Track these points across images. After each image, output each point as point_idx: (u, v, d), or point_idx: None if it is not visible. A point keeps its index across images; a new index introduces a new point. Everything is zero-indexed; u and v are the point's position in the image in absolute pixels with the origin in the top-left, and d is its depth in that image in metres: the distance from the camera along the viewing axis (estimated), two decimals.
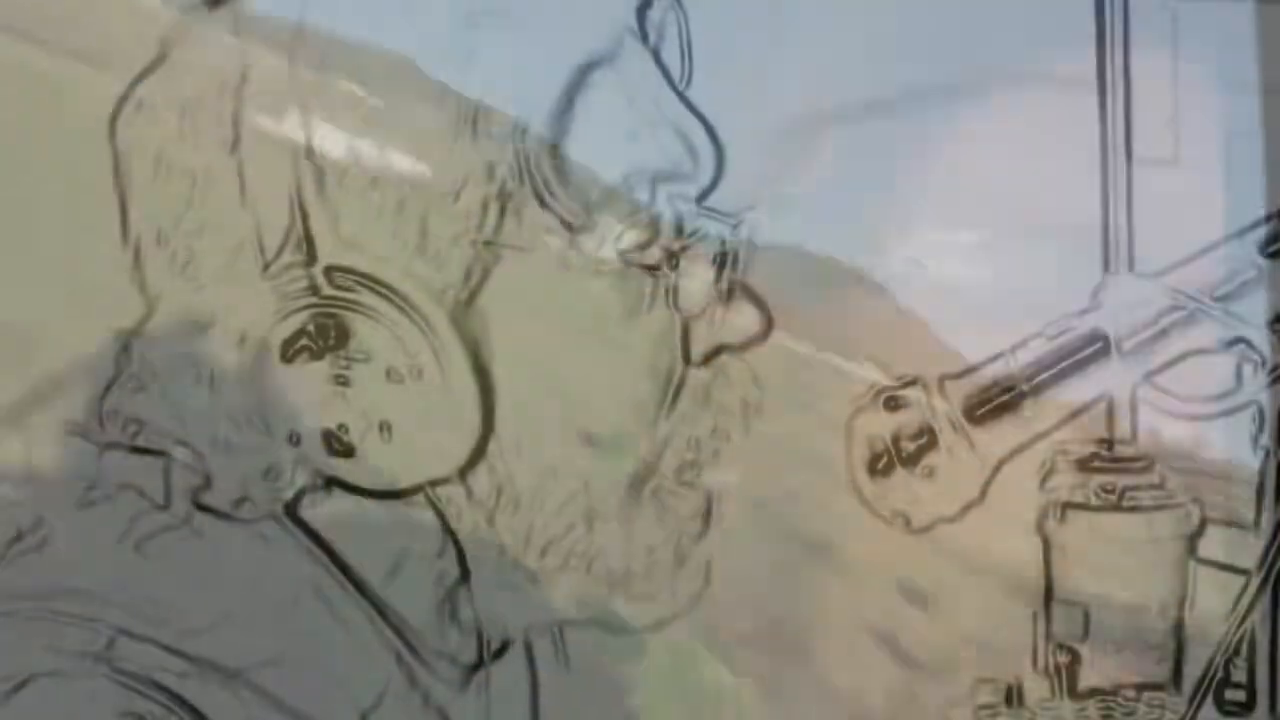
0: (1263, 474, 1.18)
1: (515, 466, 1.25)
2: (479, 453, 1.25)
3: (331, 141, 1.25)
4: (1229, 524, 1.19)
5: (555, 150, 1.23)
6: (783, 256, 1.22)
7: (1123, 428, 1.20)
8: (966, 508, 1.21)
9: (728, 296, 1.22)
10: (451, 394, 1.25)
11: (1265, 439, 1.18)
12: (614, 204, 1.22)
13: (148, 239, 1.27)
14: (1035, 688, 1.21)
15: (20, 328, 1.30)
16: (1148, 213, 1.18)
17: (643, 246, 1.22)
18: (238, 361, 1.27)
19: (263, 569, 1.28)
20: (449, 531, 1.27)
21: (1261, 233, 1.17)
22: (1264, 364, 1.17)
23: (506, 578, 1.27)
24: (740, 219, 1.21)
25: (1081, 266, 1.19)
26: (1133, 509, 1.20)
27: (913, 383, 1.21)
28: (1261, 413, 1.18)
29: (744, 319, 1.22)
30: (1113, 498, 1.20)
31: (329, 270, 1.25)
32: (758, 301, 1.22)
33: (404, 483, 1.27)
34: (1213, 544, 1.19)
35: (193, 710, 1.30)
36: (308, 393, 1.26)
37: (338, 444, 1.27)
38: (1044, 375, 1.20)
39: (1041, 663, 1.21)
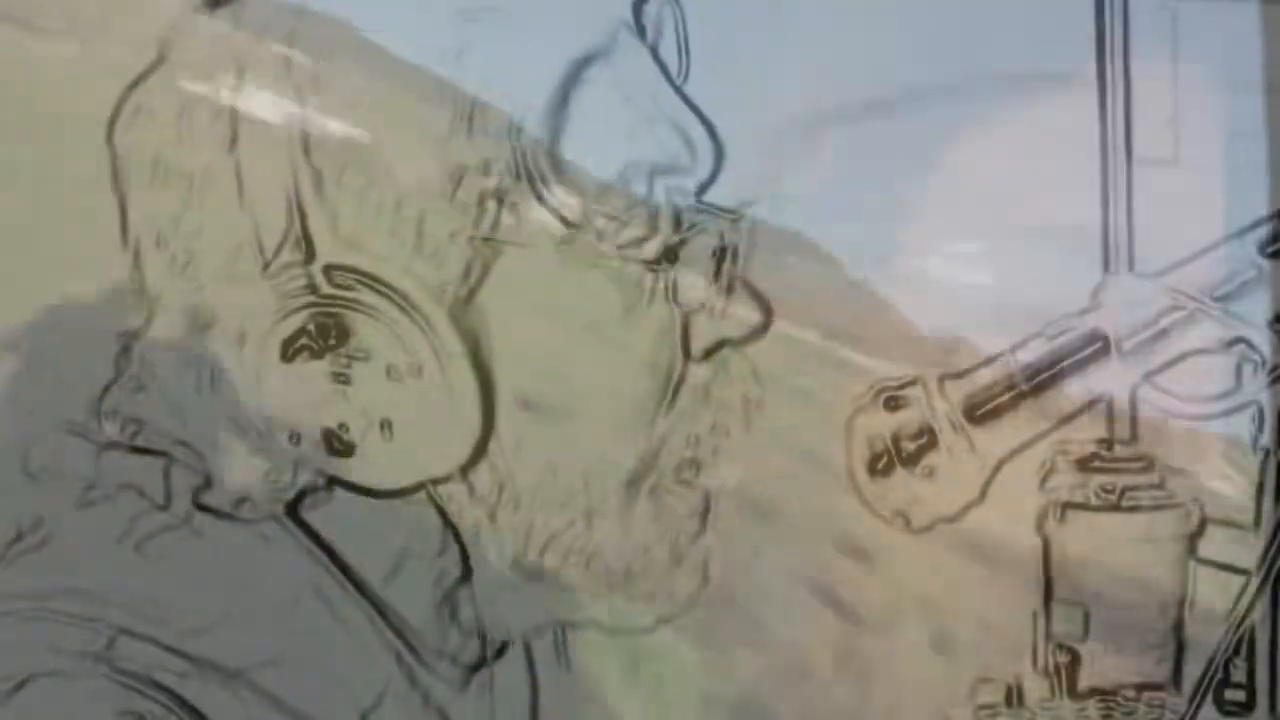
0: (1263, 474, 1.18)
1: (515, 464, 1.25)
2: (480, 450, 1.25)
3: (329, 140, 1.25)
4: (1229, 524, 1.19)
5: (552, 146, 1.23)
6: (783, 252, 1.22)
7: (1123, 428, 1.19)
8: (966, 508, 1.20)
9: (727, 291, 1.22)
10: (452, 392, 1.25)
11: (1265, 439, 1.18)
12: (612, 199, 1.22)
13: (147, 241, 1.27)
14: (1035, 688, 1.21)
15: (20, 328, 1.30)
16: (1148, 213, 1.17)
17: (641, 241, 1.22)
18: (238, 361, 1.27)
19: (263, 569, 1.28)
20: (451, 530, 1.27)
21: (1261, 233, 1.17)
22: (1264, 364, 1.17)
23: (507, 576, 1.27)
24: (740, 214, 1.21)
25: (1081, 266, 1.18)
26: (1133, 509, 1.19)
27: (913, 383, 1.21)
28: (1261, 413, 1.17)
29: (744, 313, 1.22)
30: (1113, 498, 1.19)
31: (328, 269, 1.25)
32: (757, 296, 1.22)
33: (405, 481, 1.27)
34: (1213, 544, 1.19)
35: (193, 710, 1.30)
36: (308, 392, 1.26)
37: (338, 443, 1.27)
38: (1044, 375, 1.19)
39: (1041, 663, 1.21)
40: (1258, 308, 1.17)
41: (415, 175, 1.23)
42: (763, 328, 1.22)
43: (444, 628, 1.28)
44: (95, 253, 1.27)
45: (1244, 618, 1.19)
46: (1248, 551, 1.19)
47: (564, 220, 1.22)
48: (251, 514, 1.28)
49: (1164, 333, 1.18)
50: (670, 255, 1.22)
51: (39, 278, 1.29)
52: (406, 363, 1.24)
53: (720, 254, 1.22)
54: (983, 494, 1.20)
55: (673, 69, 1.22)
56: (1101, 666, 1.21)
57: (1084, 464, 1.20)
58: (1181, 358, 1.18)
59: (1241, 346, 1.17)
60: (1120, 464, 1.20)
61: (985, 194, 1.19)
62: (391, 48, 1.25)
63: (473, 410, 1.25)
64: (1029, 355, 1.20)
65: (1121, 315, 1.18)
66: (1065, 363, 1.19)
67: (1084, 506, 1.20)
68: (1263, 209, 1.17)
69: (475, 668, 1.28)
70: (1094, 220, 1.18)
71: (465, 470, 1.26)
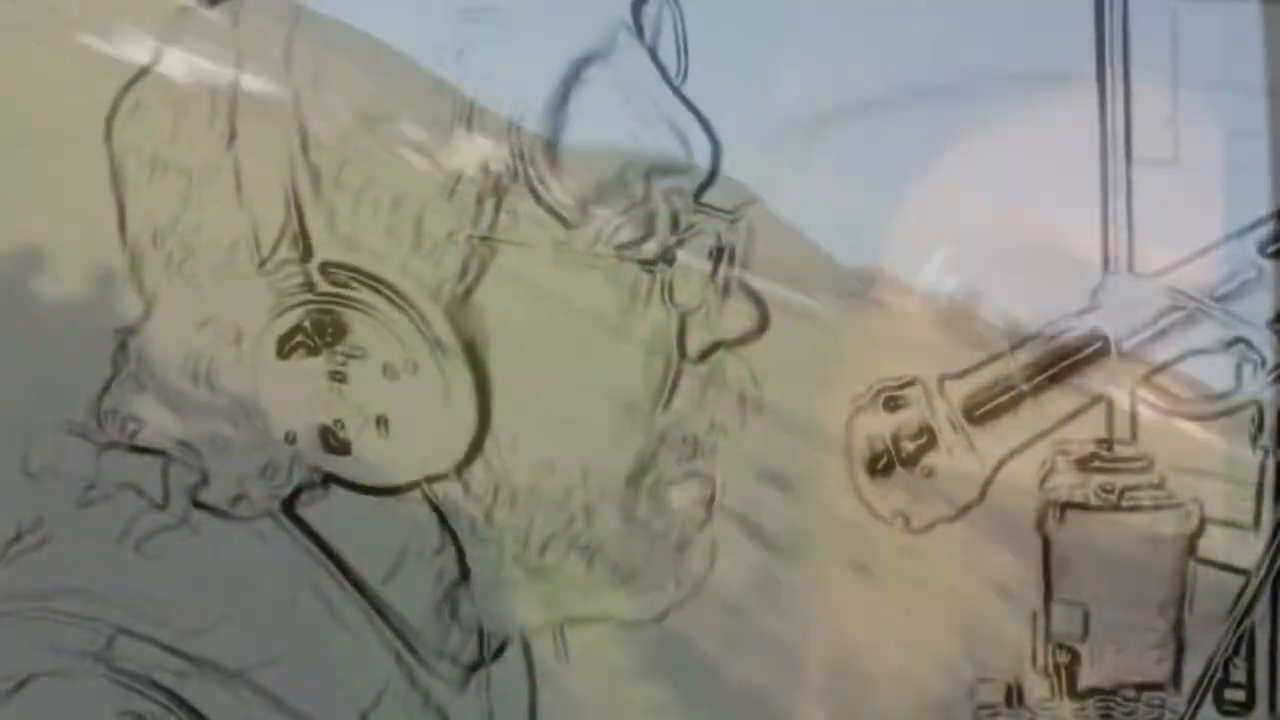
0: (1263, 474, 1.18)
1: (512, 462, 1.25)
2: (476, 448, 1.25)
3: (327, 138, 1.24)
4: (1229, 524, 1.19)
5: (551, 145, 1.22)
6: (780, 253, 1.22)
7: (1123, 428, 1.20)
8: (966, 508, 1.21)
9: (724, 292, 1.22)
10: (448, 390, 1.24)
11: (1265, 439, 1.18)
12: (609, 199, 1.22)
13: (145, 238, 1.27)
14: (1035, 688, 1.21)
15: (20, 326, 1.30)
16: (1148, 213, 1.17)
17: (638, 241, 1.22)
18: (234, 358, 1.27)
19: (262, 569, 1.28)
20: (447, 528, 1.27)
21: (1261, 233, 1.17)
22: (1264, 364, 1.17)
23: (507, 575, 1.27)
24: (737, 215, 1.21)
25: (1081, 266, 1.18)
26: (1133, 509, 1.20)
27: (912, 383, 1.21)
28: (1261, 413, 1.18)
29: (740, 315, 1.22)
30: (1113, 498, 1.20)
31: (325, 266, 1.25)
32: (754, 297, 1.22)
33: (401, 479, 1.27)
34: (1213, 544, 1.19)
35: (192, 710, 1.30)
36: (304, 389, 1.26)
37: (334, 440, 1.27)
38: (1044, 375, 1.20)
39: (1041, 663, 1.21)
40: (1258, 308, 1.17)
41: (414, 173, 1.23)
42: (759, 330, 1.22)
43: (443, 627, 1.28)
44: (94, 249, 1.27)
45: (1244, 618, 1.19)
46: (1248, 551, 1.19)
47: (561, 220, 1.22)
48: (248, 511, 1.28)
49: (1164, 333, 1.18)
50: (667, 256, 1.22)
51: (38, 275, 1.29)
52: (403, 360, 1.24)
53: (717, 255, 1.21)
54: (983, 494, 1.21)
55: (671, 69, 1.22)
56: (1101, 666, 1.21)
57: (1084, 464, 1.20)
58: (1181, 358, 1.18)
59: (1241, 346, 1.17)
60: (1120, 464, 1.20)
61: (984, 194, 1.19)
62: (392, 46, 1.24)
63: (468, 408, 1.24)
64: (1029, 355, 1.20)
65: (1121, 315, 1.19)
66: (1065, 363, 1.19)
67: (1084, 506, 1.20)
68: (1263, 209, 1.17)
69: (474, 667, 1.28)
70: (1094, 220, 1.18)
71: (461, 468, 1.25)
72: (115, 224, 1.27)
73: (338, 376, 1.25)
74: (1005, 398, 1.20)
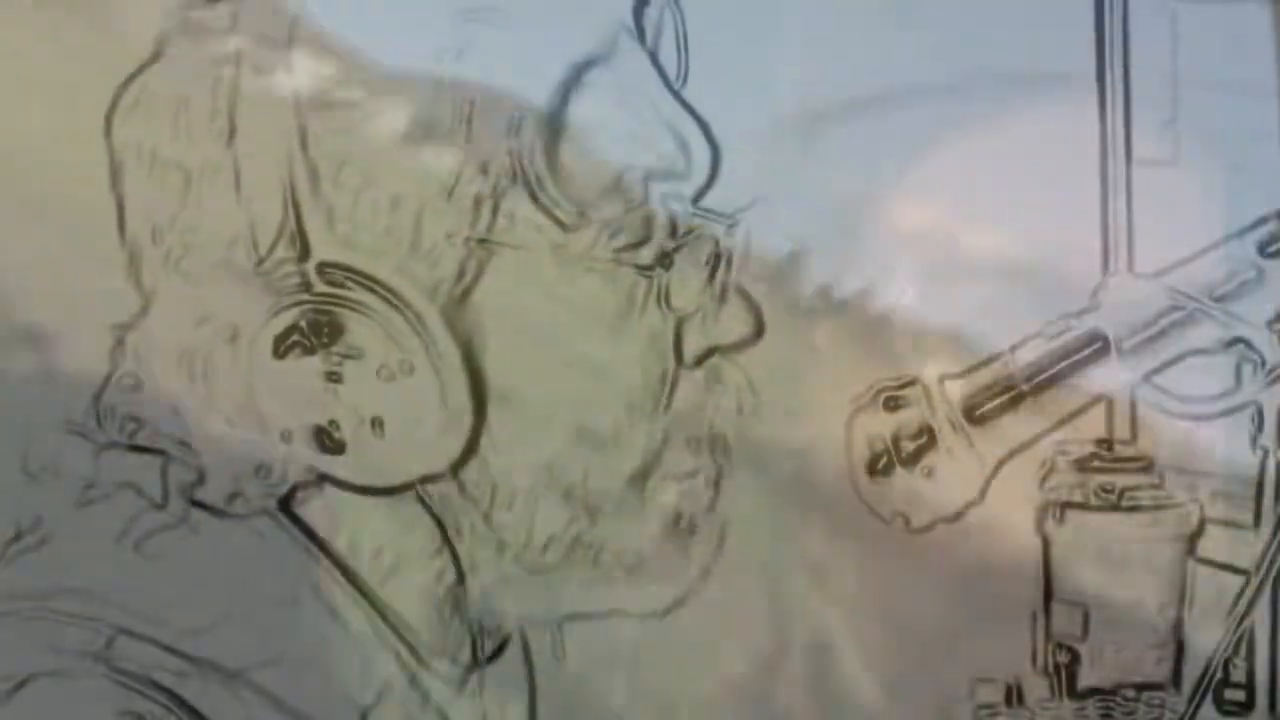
0: (1262, 474, 1.18)
1: (510, 463, 1.25)
2: (471, 449, 1.25)
3: (326, 137, 1.24)
4: (1229, 524, 1.19)
5: (549, 148, 1.22)
6: (779, 256, 1.21)
7: (1123, 428, 1.20)
8: (966, 508, 1.21)
9: (721, 297, 1.22)
10: (444, 391, 1.24)
11: (1265, 439, 1.18)
12: (608, 203, 1.22)
13: (144, 234, 1.26)
14: (1035, 687, 1.21)
15: (19, 325, 1.30)
16: (1148, 213, 1.17)
17: (636, 246, 1.22)
18: (230, 357, 1.26)
19: (262, 568, 1.28)
20: (442, 529, 1.27)
21: (1261, 233, 1.17)
22: (1263, 364, 1.17)
23: (506, 575, 1.27)
24: (736, 219, 1.21)
25: (1081, 266, 1.18)
26: (1133, 509, 1.20)
27: (912, 383, 1.21)
28: (1261, 413, 1.17)
29: (737, 320, 1.22)
30: (1112, 498, 1.19)
31: (322, 266, 1.25)
32: (751, 303, 1.22)
33: (396, 479, 1.27)
34: (1213, 544, 1.19)
35: (192, 710, 1.30)
36: (300, 389, 1.26)
37: (329, 440, 1.27)
38: (1044, 375, 1.19)
39: (1041, 662, 1.21)
40: (1257, 308, 1.17)
41: (412, 174, 1.23)
42: (755, 336, 1.21)
43: (443, 627, 1.28)
44: (93, 246, 1.27)
45: (1244, 618, 1.19)
46: (1248, 551, 1.19)
47: (559, 223, 1.22)
48: (244, 509, 1.28)
49: (1163, 333, 1.18)
50: (664, 260, 1.22)
51: (38, 273, 1.29)
52: (399, 361, 1.24)
53: (714, 260, 1.21)
54: (983, 494, 1.20)
55: (671, 73, 1.21)
56: (1101, 666, 1.21)
57: (1084, 464, 1.20)
58: (1181, 358, 1.18)
59: (1241, 346, 1.17)
60: (1120, 464, 1.20)
61: (984, 194, 1.19)
62: (391, 46, 1.24)
63: (464, 410, 1.24)
64: (1029, 355, 1.20)
65: (1121, 315, 1.18)
66: (1065, 363, 1.19)
67: (1084, 506, 1.20)
68: (1262, 209, 1.17)
69: (474, 666, 1.28)
70: (1094, 220, 1.18)
71: (457, 469, 1.25)
72: (114, 220, 1.26)
73: (333, 377, 1.25)
74: (1005, 398, 1.20)
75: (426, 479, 1.26)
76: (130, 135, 1.26)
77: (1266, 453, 1.18)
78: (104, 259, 1.27)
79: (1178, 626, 1.20)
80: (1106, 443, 1.20)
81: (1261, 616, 1.19)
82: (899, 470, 1.22)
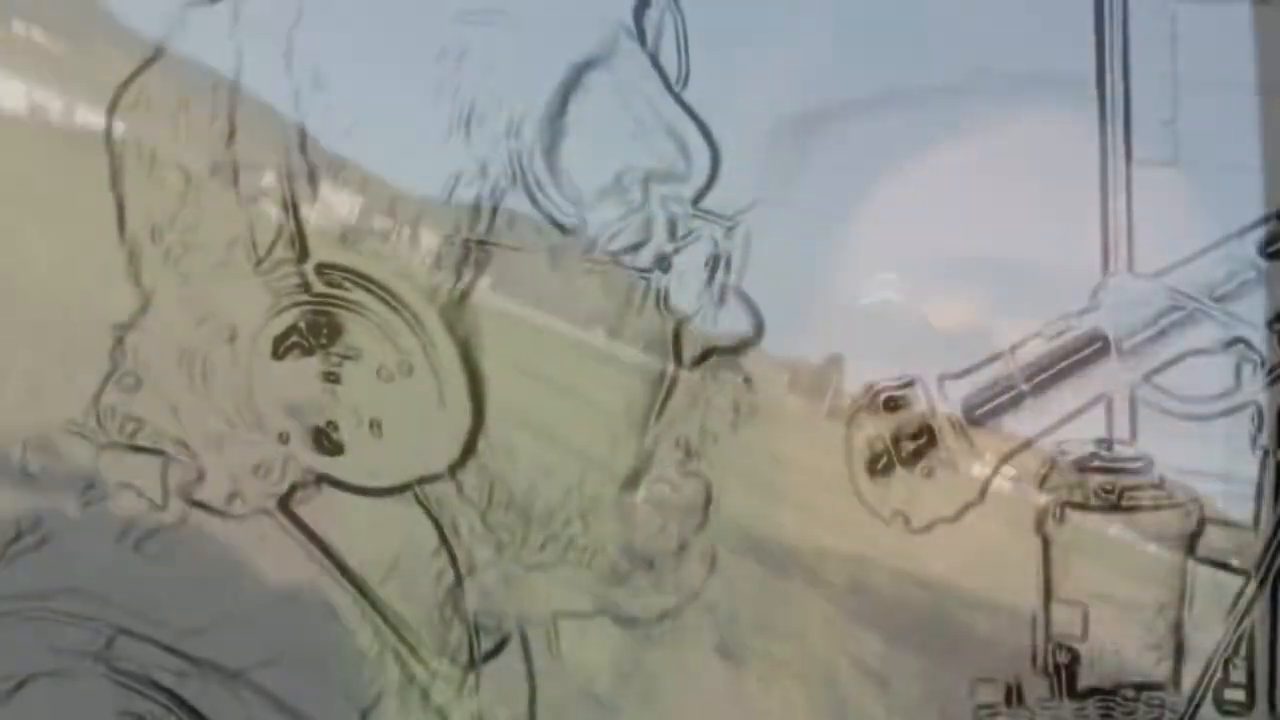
0: (1262, 474, 1.18)
1: (507, 464, 1.25)
2: (469, 450, 1.25)
3: (324, 138, 1.24)
4: (1229, 524, 1.19)
5: (549, 150, 1.22)
6: (777, 258, 1.21)
7: (1122, 428, 1.20)
8: (966, 508, 1.21)
9: (720, 299, 1.22)
10: (442, 392, 1.24)
11: (1264, 439, 1.18)
12: (607, 204, 1.22)
13: (144, 234, 1.26)
14: (1035, 688, 1.21)
15: (19, 324, 1.30)
16: (1147, 213, 1.17)
17: (635, 248, 1.22)
18: (229, 357, 1.26)
19: (261, 569, 1.28)
20: (440, 529, 1.27)
21: (1261, 233, 1.17)
22: (1263, 364, 1.17)
23: (504, 575, 1.27)
24: (735, 221, 1.21)
25: (1081, 266, 1.18)
26: (1132, 509, 1.20)
27: (912, 383, 1.21)
28: (1260, 413, 1.18)
29: (736, 322, 1.22)
30: (1112, 498, 1.20)
31: (320, 267, 1.25)
32: (750, 305, 1.22)
33: (394, 480, 1.27)
34: (1212, 544, 1.19)
35: (192, 710, 1.30)
36: (298, 390, 1.26)
37: (327, 441, 1.27)
38: (1043, 375, 1.20)
39: (1041, 662, 1.21)
40: (1257, 308, 1.17)
41: (411, 176, 1.23)
42: (754, 338, 1.21)
43: (442, 626, 1.28)
44: (93, 245, 1.27)
45: (1243, 618, 1.19)
46: (1247, 551, 1.19)
47: (558, 224, 1.22)
48: (242, 509, 1.28)
49: (1163, 333, 1.18)
50: (663, 263, 1.22)
51: (38, 271, 1.29)
52: (397, 362, 1.24)
53: (713, 263, 1.21)
54: (983, 494, 1.20)
55: (671, 74, 1.21)
56: (1101, 666, 1.21)
57: (1084, 464, 1.20)
58: (1181, 358, 1.18)
59: (1240, 346, 1.17)
60: (1120, 464, 1.20)
61: (984, 194, 1.19)
62: (392, 48, 1.24)
63: (462, 411, 1.24)
64: (1028, 355, 1.20)
65: (1121, 315, 1.19)
66: (1065, 363, 1.19)
67: (1084, 506, 1.20)
68: (1262, 209, 1.17)
69: (473, 666, 1.28)
70: (1094, 220, 1.18)
71: (454, 470, 1.25)
72: (114, 219, 1.27)
73: (332, 377, 1.25)
74: (1005, 398, 1.20)
75: (424, 480, 1.26)
76: (131, 135, 1.26)
77: (1266, 453, 1.18)
78: (105, 258, 1.27)
79: (1178, 626, 1.20)
80: (1106, 443, 1.20)
81: (1261, 616, 1.19)
82: (899, 470, 1.22)
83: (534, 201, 1.22)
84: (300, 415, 1.26)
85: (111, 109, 1.26)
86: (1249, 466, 1.18)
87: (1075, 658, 1.21)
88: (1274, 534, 1.18)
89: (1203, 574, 1.19)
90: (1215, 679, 1.20)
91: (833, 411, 1.22)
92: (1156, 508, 1.20)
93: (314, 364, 1.25)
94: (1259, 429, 1.18)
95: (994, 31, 1.18)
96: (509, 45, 1.21)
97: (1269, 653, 1.19)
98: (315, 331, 1.25)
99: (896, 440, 1.21)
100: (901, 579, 1.23)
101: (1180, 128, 1.17)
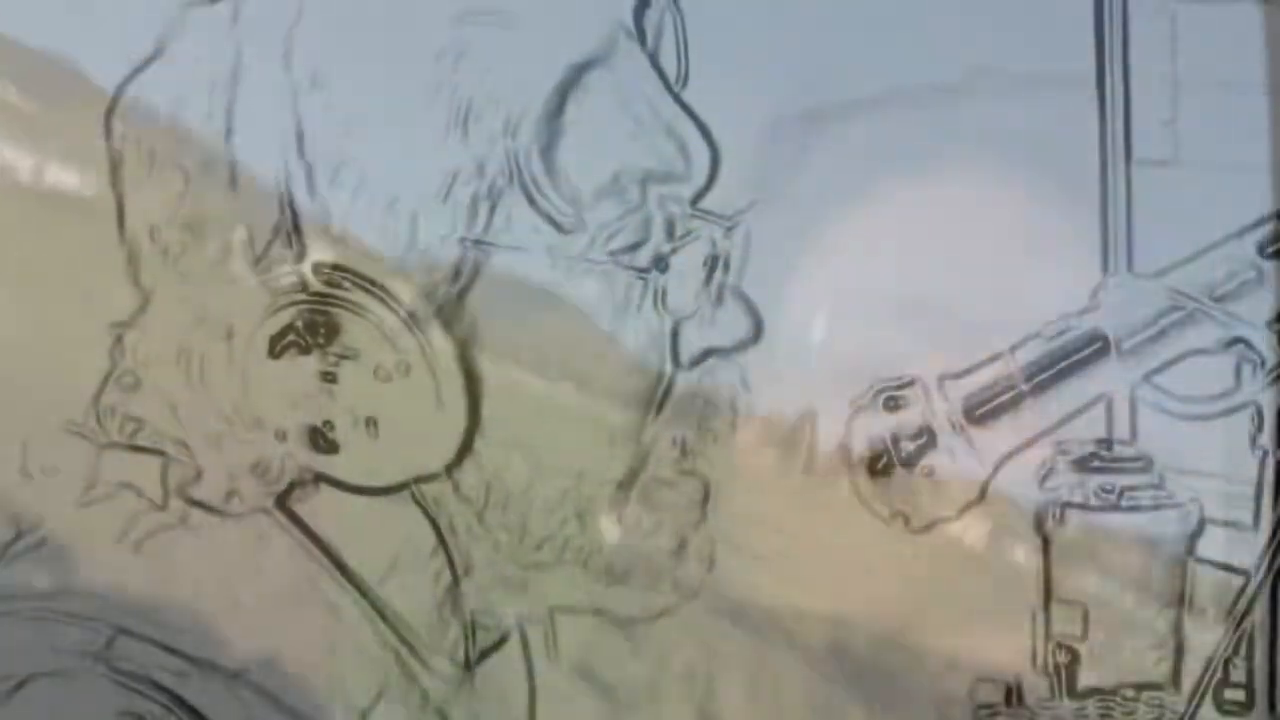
0: (1262, 474, 1.18)
1: (504, 464, 1.25)
2: (466, 450, 1.25)
3: (323, 138, 1.24)
4: (1229, 524, 1.19)
5: (547, 150, 1.22)
6: (776, 258, 1.22)
7: (1122, 428, 1.20)
8: (966, 508, 1.21)
9: (718, 299, 1.22)
10: (439, 392, 1.24)
11: (1264, 439, 1.17)
12: (605, 205, 1.22)
13: (143, 232, 1.26)
14: (1035, 688, 1.21)
15: (19, 323, 1.30)
16: (1147, 213, 1.17)
17: (633, 248, 1.22)
18: (226, 356, 1.26)
19: (261, 569, 1.28)
20: (437, 529, 1.27)
21: (1261, 233, 1.16)
22: (1263, 364, 1.17)
23: (502, 575, 1.27)
24: (733, 222, 1.21)
25: (1081, 266, 1.18)
26: (1132, 509, 1.19)
27: (912, 383, 1.21)
28: (1260, 413, 1.17)
29: (734, 322, 1.22)
30: (1112, 498, 1.19)
31: (318, 267, 1.25)
32: (748, 305, 1.22)
33: (390, 479, 1.27)
34: (1212, 544, 1.19)
35: (192, 710, 1.30)
36: (295, 389, 1.26)
37: (323, 440, 1.27)
38: (1043, 375, 1.19)
39: (1041, 662, 1.21)
40: (1257, 308, 1.17)
41: (409, 175, 1.23)
42: (752, 338, 1.21)
43: (442, 626, 1.28)
44: (92, 244, 1.27)
45: (1244, 618, 1.19)
46: (1248, 551, 1.19)
47: (556, 224, 1.22)
48: (239, 508, 1.28)
49: (1163, 333, 1.18)
50: (661, 263, 1.22)
51: (38, 271, 1.29)
52: (395, 362, 1.24)
53: (712, 263, 1.21)
54: (983, 494, 1.20)
55: (671, 75, 1.21)
56: (1101, 666, 1.21)
57: (1084, 464, 1.20)
58: (1181, 358, 1.18)
59: (1240, 346, 1.17)
60: (1120, 464, 1.20)
61: (984, 194, 1.19)
62: (391, 47, 1.24)
63: (459, 411, 1.24)
64: (1028, 355, 1.19)
65: (1121, 315, 1.18)
66: (1065, 363, 1.19)
67: (1084, 506, 1.20)
68: (1262, 209, 1.16)
69: (473, 665, 1.28)
70: (1094, 220, 1.18)
71: (451, 469, 1.25)
72: (114, 218, 1.27)
73: (329, 377, 1.25)
74: (1005, 398, 1.20)
75: (421, 479, 1.26)
76: (129, 133, 1.26)
77: (1266, 453, 1.18)
78: (104, 257, 1.27)
79: (1178, 626, 1.20)
80: (1106, 443, 1.20)
81: (1261, 616, 1.19)
82: (899, 470, 1.21)
83: (531, 201, 1.22)
84: (297, 414, 1.26)
85: (111, 107, 1.26)
86: (1249, 466, 1.18)
87: (1075, 658, 1.21)
88: (1274, 534, 1.18)
89: (1203, 574, 1.19)
90: (1215, 679, 1.20)
91: (807, 468, 1.22)
92: (1156, 508, 1.19)
93: (311, 363, 1.25)
94: (1259, 429, 1.17)
95: (994, 31, 1.18)
96: (508, 45, 1.22)
97: (1269, 653, 1.19)
98: (313, 331, 1.25)
99: (896, 440, 1.21)
100: (880, 643, 1.23)
101: (1180, 128, 1.17)
